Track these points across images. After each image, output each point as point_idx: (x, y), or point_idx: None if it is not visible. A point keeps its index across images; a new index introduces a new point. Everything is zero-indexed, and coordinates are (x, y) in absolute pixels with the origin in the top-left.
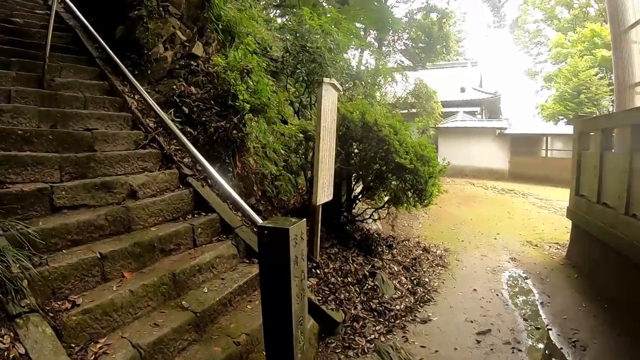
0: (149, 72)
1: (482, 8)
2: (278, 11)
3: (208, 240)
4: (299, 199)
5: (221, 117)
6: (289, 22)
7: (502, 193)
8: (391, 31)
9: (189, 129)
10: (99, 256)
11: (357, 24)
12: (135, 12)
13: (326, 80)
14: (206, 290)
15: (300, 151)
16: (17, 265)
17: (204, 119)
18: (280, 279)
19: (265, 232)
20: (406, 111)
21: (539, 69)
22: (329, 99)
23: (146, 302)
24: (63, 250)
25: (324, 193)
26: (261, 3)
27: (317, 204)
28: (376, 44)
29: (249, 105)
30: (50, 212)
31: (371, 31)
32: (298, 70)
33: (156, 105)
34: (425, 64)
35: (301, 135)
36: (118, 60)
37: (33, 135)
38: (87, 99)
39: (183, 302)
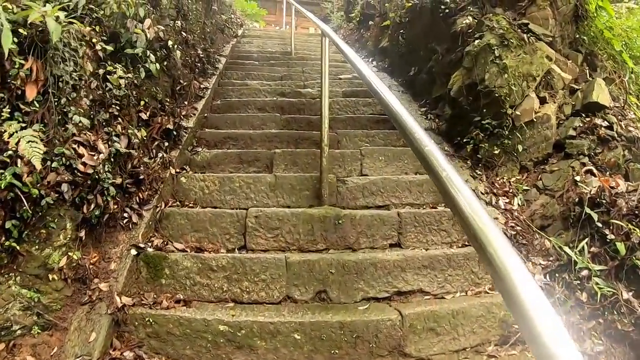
0: (519, 148)
1: None
2: None
3: None
4: None
5: None
6: None
7: None
8: None
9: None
10: None
11: None
12: (476, 41)
13: None
14: None
15: None
16: None
17: None
18: None
19: None
20: None
21: None
22: None
23: None
24: None
25: None
26: None
27: None
28: None
29: None
30: None
31: None
32: None
33: None
34: None
35: None
36: (406, 117)
37: (269, 333)
38: (405, 219)
39: None
